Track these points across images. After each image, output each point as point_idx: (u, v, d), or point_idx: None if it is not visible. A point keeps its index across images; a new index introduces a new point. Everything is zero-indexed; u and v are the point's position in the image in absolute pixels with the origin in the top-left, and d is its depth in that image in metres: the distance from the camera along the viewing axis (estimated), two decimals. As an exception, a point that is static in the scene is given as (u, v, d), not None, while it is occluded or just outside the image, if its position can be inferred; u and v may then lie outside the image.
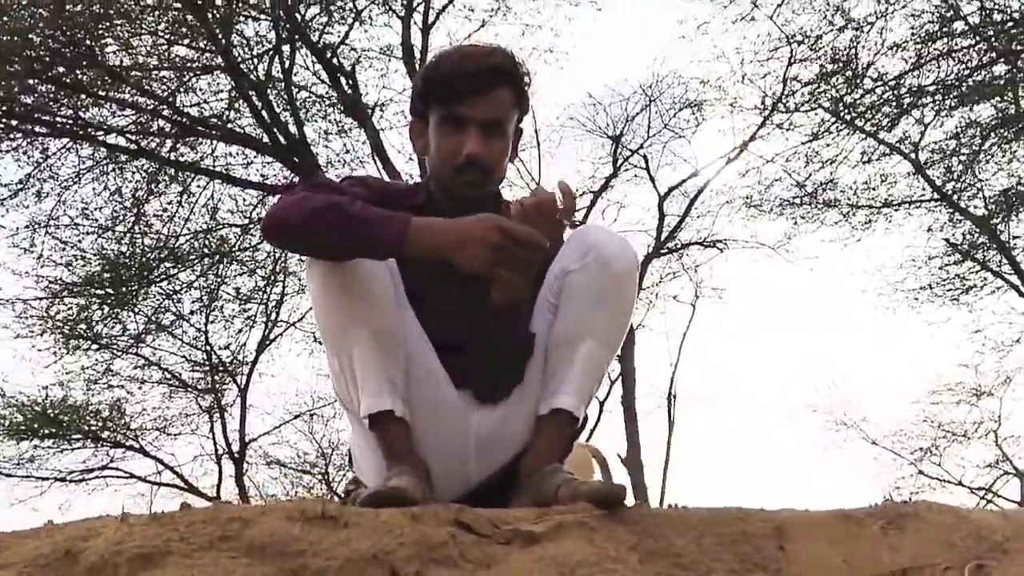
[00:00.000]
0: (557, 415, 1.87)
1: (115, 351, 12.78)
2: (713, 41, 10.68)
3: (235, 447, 14.39)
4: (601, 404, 13.69)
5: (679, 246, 12.92)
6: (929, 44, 10.07)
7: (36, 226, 9.97)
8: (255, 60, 10.08)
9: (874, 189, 11.73)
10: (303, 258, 1.95)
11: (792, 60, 10.53)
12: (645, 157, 12.37)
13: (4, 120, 9.26)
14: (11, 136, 9.57)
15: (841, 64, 10.35)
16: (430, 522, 1.42)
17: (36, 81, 9.02)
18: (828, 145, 11.10)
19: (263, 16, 9.68)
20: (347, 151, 10.55)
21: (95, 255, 10.84)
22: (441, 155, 1.98)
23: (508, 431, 1.92)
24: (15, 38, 8.33)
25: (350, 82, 9.51)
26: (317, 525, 1.39)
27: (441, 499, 1.77)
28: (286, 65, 9.82)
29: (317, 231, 1.75)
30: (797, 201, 11.91)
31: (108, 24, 9.13)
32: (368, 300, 1.81)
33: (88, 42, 9.02)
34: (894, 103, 10.69)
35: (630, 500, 1.57)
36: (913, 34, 10.03)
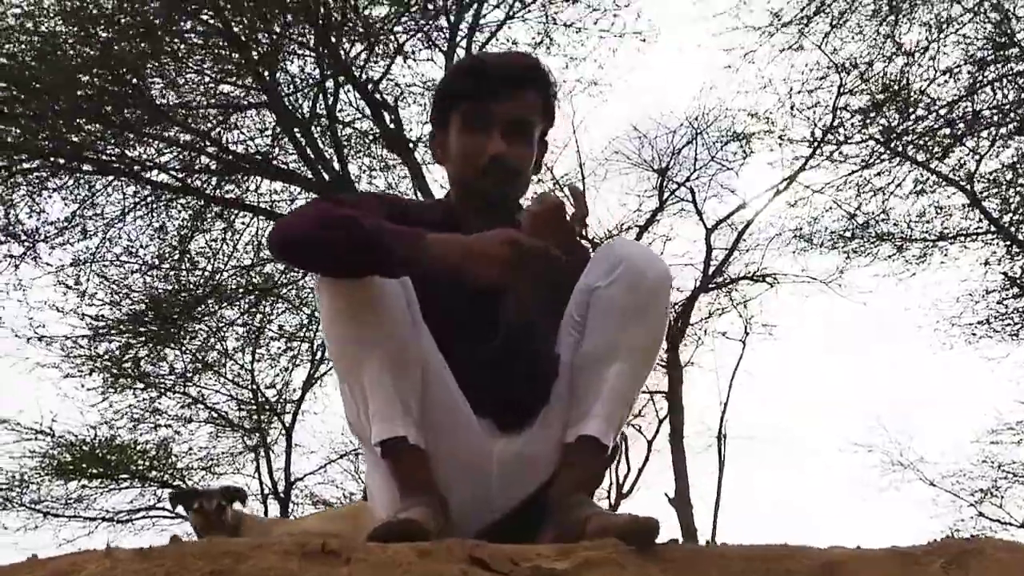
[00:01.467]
0: (585, 442, 1.74)
1: (161, 389, 12.82)
2: (760, 71, 10.45)
3: (280, 487, 14.33)
4: (649, 443, 13.44)
5: (727, 280, 12.67)
6: (983, 70, 9.85)
7: (81, 264, 10.02)
8: (299, 96, 10.15)
9: (929, 221, 11.43)
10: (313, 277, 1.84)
11: (842, 89, 10.35)
12: (692, 190, 12.20)
13: (51, 158, 9.34)
14: (58, 175, 9.67)
15: (892, 92, 10.13)
16: (441, 558, 1.29)
17: (83, 120, 9.10)
18: (879, 174, 10.86)
19: (307, 53, 9.72)
20: (390, 187, 10.53)
21: (140, 292, 10.91)
22: (463, 156, 1.88)
23: (532, 460, 1.79)
24: (63, 77, 8.41)
25: (393, 117, 9.50)
26: (317, 561, 1.27)
27: (459, 533, 1.62)
28: (330, 101, 9.87)
29: (326, 245, 1.64)
30: (848, 234, 11.65)
31: (155, 63, 9.22)
32: (380, 320, 1.69)
33: (135, 81, 9.12)
34: (947, 132, 10.45)
35: (665, 536, 1.43)
36: (966, 60, 9.83)
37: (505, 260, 1.60)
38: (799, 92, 10.45)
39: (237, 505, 4.81)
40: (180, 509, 5.06)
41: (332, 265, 1.69)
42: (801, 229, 11.76)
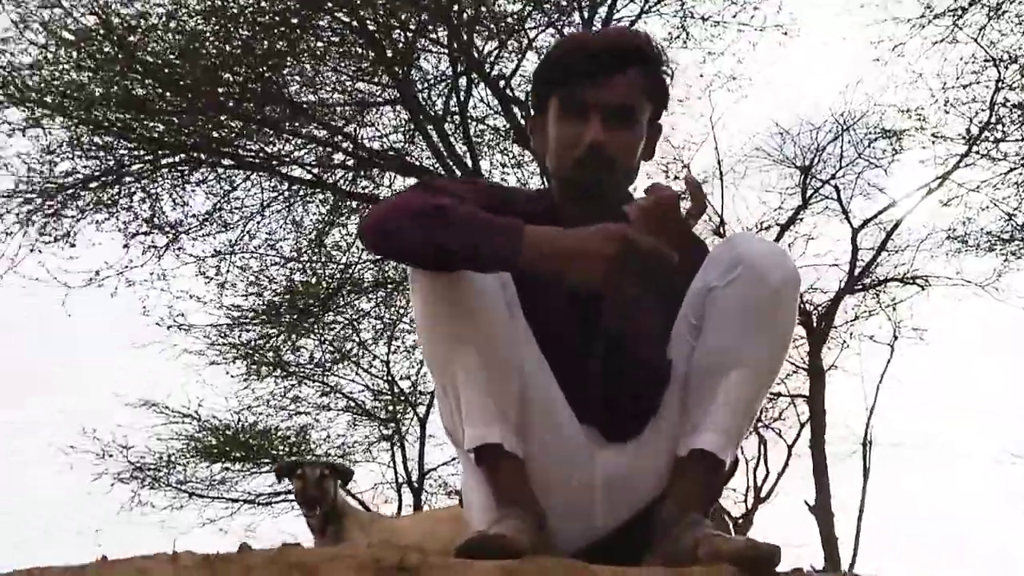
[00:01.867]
0: (699, 457, 1.61)
1: (300, 377, 13.18)
2: (910, 64, 9.92)
3: (414, 476, 14.51)
4: (790, 447, 13.00)
5: (875, 282, 12.13)
6: None
7: (222, 255, 10.31)
8: (432, 93, 10.19)
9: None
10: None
11: (1000, 84, 9.74)
12: (837, 188, 11.68)
13: (193, 153, 9.64)
14: (200, 169, 9.96)
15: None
16: (529, 579, 1.17)
17: (224, 116, 9.36)
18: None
19: (440, 50, 9.76)
20: (521, 183, 10.48)
21: (278, 284, 11.18)
22: (560, 146, 1.74)
23: (640, 474, 1.66)
24: (205, 74, 8.67)
25: (524, 113, 9.43)
26: (392, 578, 1.16)
27: (557, 551, 1.51)
28: (462, 98, 9.87)
29: (419, 236, 1.53)
30: (1006, 236, 10.99)
31: (293, 61, 9.40)
32: (476, 316, 1.58)
33: (274, 78, 9.32)
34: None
35: (788, 563, 1.31)
36: None
37: (611, 259, 1.47)
38: (953, 87, 9.91)
39: (344, 497, 4.82)
40: (286, 482, 5.11)
41: (422, 257, 1.58)
42: (955, 230, 11.16)
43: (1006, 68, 9.67)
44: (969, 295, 11.73)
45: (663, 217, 1.56)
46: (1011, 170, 10.26)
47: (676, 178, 10.71)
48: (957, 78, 9.85)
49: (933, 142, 10.48)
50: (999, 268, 11.39)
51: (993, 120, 10.00)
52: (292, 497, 14.34)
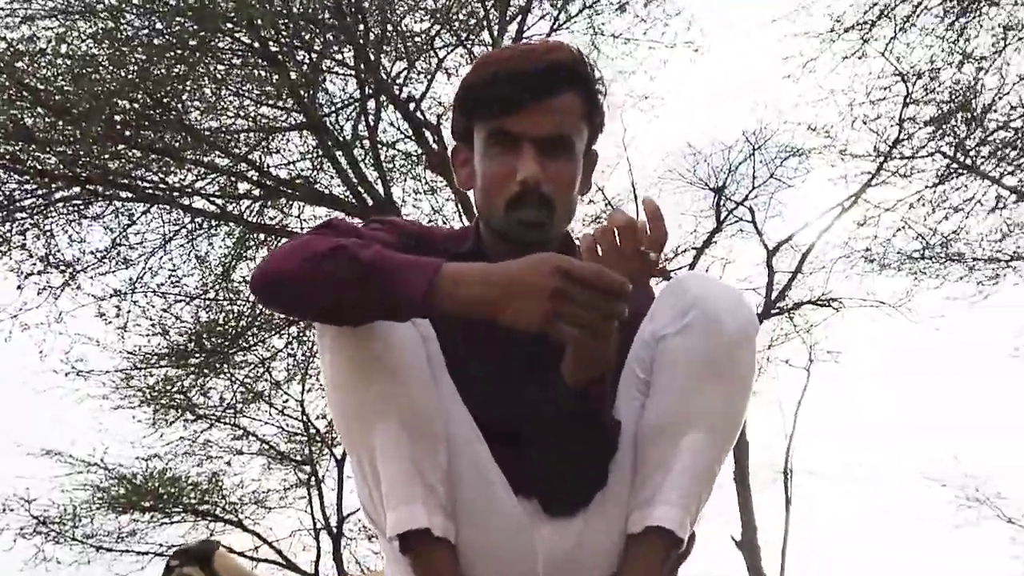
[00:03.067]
0: (654, 534, 1.40)
1: (211, 420, 12.75)
2: (820, 81, 9.98)
3: (333, 521, 14.11)
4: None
5: (791, 305, 12.11)
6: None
7: (122, 294, 9.86)
8: (340, 117, 9.97)
9: (1002, 240, 10.81)
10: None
11: (908, 100, 9.83)
12: (751, 209, 11.69)
13: (88, 186, 9.21)
14: (96, 202, 9.55)
15: (961, 102, 9.59)
16: None
17: (120, 145, 8.97)
18: (957, 189, 10.29)
19: (347, 72, 9.53)
20: (435, 211, 10.27)
21: (183, 323, 10.77)
22: (488, 183, 1.50)
23: (588, 554, 1.45)
24: (99, 101, 8.29)
25: (436, 137, 9.24)
26: None
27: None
28: (371, 122, 9.65)
29: (318, 284, 1.28)
30: (918, 255, 11.07)
31: (192, 85, 9.06)
32: (395, 379, 1.35)
33: (172, 104, 8.97)
34: (1020, 145, 9.86)
35: None
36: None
37: (551, 294, 1.21)
38: (862, 103, 9.99)
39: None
40: None
41: (324, 309, 1.34)
42: (870, 250, 11.21)
43: (913, 83, 9.77)
44: (882, 316, 11.82)
45: (618, 244, 1.33)
46: (925, 188, 10.34)
47: (591, 201, 10.59)
48: (867, 94, 9.94)
49: (843, 159, 10.54)
50: (910, 288, 11.48)
51: (903, 136, 10.07)
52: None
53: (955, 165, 10.15)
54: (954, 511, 13.93)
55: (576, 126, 1.51)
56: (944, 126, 9.88)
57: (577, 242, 1.43)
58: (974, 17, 9.24)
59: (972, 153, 10.02)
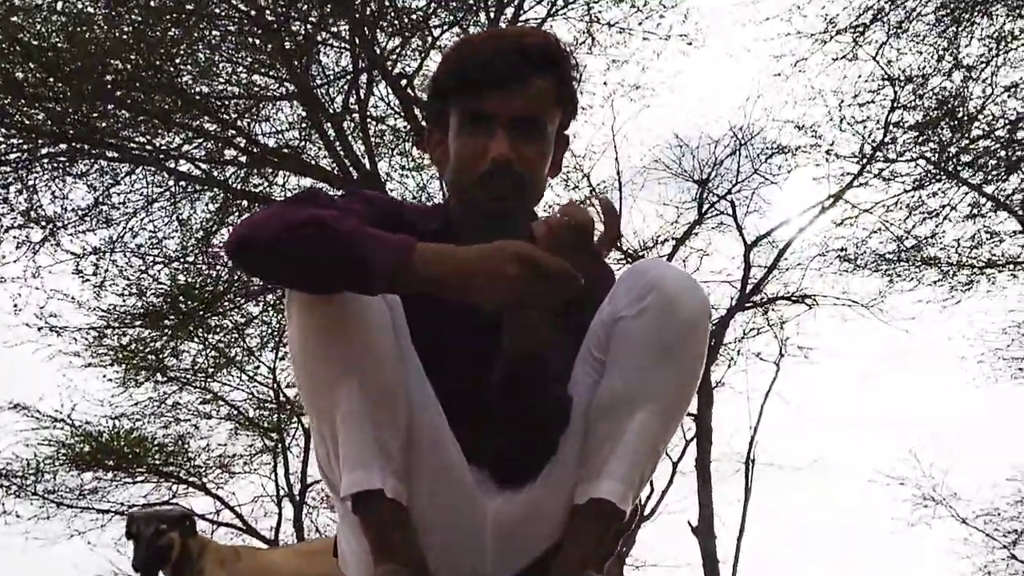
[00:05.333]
0: (598, 506, 1.46)
1: (181, 383, 12.73)
2: (810, 81, 10.06)
3: (296, 489, 14.13)
4: (675, 465, 13.01)
5: (765, 300, 12.25)
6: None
7: (102, 252, 9.80)
8: (331, 90, 9.90)
9: (977, 247, 11.00)
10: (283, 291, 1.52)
11: (896, 104, 9.94)
12: (733, 203, 11.72)
13: (75, 143, 9.13)
14: (82, 160, 9.46)
15: (948, 109, 9.72)
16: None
17: (110, 105, 8.89)
18: (935, 194, 10.44)
19: (341, 45, 9.48)
20: (420, 187, 10.27)
21: (161, 284, 10.71)
22: (461, 161, 1.56)
23: (535, 522, 1.51)
24: (92, 60, 8.20)
25: (425, 115, 9.20)
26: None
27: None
28: (362, 96, 9.61)
29: (292, 252, 1.34)
30: (894, 257, 11.23)
31: (186, 50, 8.99)
32: (358, 346, 1.40)
33: (165, 67, 8.90)
34: (1002, 155, 10.02)
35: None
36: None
37: (514, 280, 1.32)
38: (850, 105, 10.07)
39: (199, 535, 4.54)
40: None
41: (297, 276, 1.39)
42: (846, 250, 11.35)
43: (902, 88, 9.86)
44: (855, 315, 11.98)
45: (574, 239, 1.39)
46: (904, 192, 10.48)
47: (576, 187, 10.63)
48: (855, 96, 10.00)
49: (827, 159, 10.63)
50: (883, 289, 11.64)
51: (887, 140, 10.19)
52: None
53: (936, 170, 10.29)
54: (910, 510, 14.25)
55: (548, 110, 1.58)
56: (929, 132, 10.00)
57: (535, 225, 1.46)
58: (966, 26, 9.35)
59: (954, 160, 10.16)
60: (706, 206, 11.77)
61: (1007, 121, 9.80)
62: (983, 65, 9.44)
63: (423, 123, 9.16)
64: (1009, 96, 9.54)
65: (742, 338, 12.69)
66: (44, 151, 9.25)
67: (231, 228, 1.39)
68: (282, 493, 14.24)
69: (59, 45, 8.32)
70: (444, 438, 1.49)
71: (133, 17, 8.48)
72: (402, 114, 9.66)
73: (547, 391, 1.50)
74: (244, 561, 4.46)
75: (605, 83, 9.97)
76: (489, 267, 1.32)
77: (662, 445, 1.51)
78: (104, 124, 9.13)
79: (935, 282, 11.22)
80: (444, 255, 1.34)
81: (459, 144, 1.57)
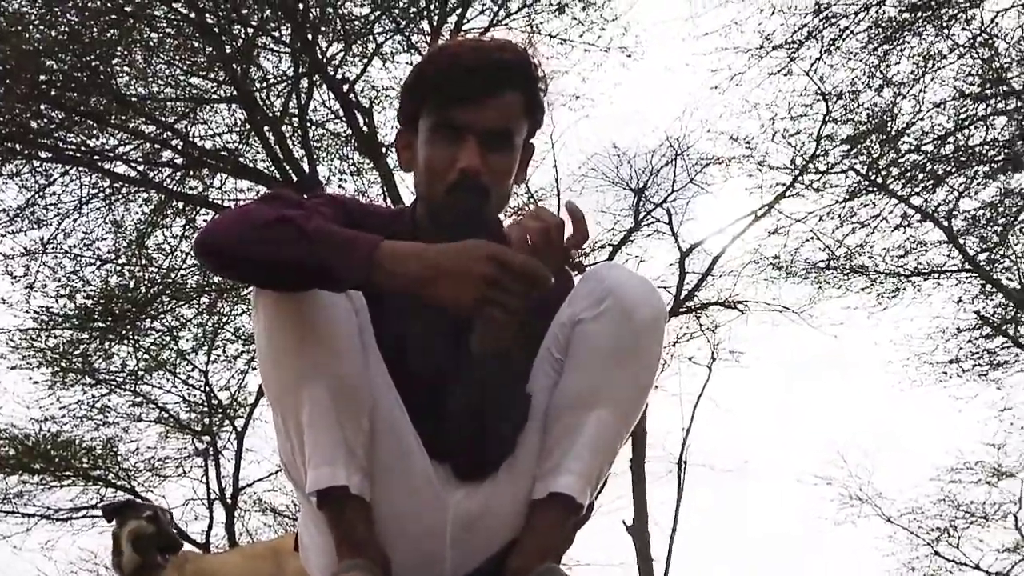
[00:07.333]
0: (556, 500, 1.51)
1: (111, 386, 12.48)
2: (746, 94, 10.27)
3: (228, 492, 13.96)
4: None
5: (698, 305, 12.46)
6: (970, 105, 9.76)
7: (32, 254, 9.59)
8: (271, 94, 9.82)
9: (904, 256, 11.34)
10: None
11: (827, 118, 10.20)
12: (668, 211, 11.95)
13: (7, 143, 8.92)
14: (13, 161, 9.25)
15: (878, 124, 10.00)
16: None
17: (44, 105, 8.71)
18: (866, 205, 10.74)
19: (282, 49, 9.40)
20: (360, 192, 10.23)
21: (93, 286, 10.54)
22: (430, 169, 1.58)
23: (494, 517, 1.55)
24: (26, 59, 8.02)
25: (367, 120, 9.20)
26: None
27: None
28: (302, 100, 9.54)
29: (260, 251, 1.36)
30: (823, 265, 11.52)
31: (124, 51, 8.84)
32: (324, 343, 1.43)
33: (101, 68, 8.74)
34: (929, 168, 10.34)
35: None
36: (954, 97, 9.74)
37: (483, 279, 1.33)
38: (784, 118, 10.31)
39: None
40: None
41: (265, 275, 1.41)
42: (778, 257, 11.61)
43: (834, 103, 10.12)
44: (785, 321, 12.25)
45: (546, 240, 1.43)
46: (835, 203, 10.75)
47: (515, 195, 10.66)
48: (789, 110, 10.26)
49: (760, 170, 10.86)
50: (813, 295, 11.93)
51: (819, 152, 10.45)
52: (93, 513, 13.64)
53: (866, 183, 10.58)
54: (837, 508, 14.62)
55: (517, 122, 1.60)
56: (859, 145, 10.28)
57: (508, 229, 1.50)
58: (897, 45, 9.63)
59: (883, 172, 10.46)
60: (642, 214, 11.96)
61: (935, 136, 10.12)
62: (912, 82, 9.75)
63: (364, 129, 9.14)
64: (937, 112, 9.85)
65: (676, 342, 12.88)
66: (-27, 151, 9.04)
67: (200, 228, 1.40)
68: (213, 497, 14.11)
69: (-8, 44, 8.13)
70: (406, 435, 1.52)
71: (70, 17, 8.33)
72: (343, 119, 9.60)
73: (512, 389, 1.53)
74: (192, 564, 4.41)
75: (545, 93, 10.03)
76: (459, 265, 1.33)
77: (618, 443, 1.56)
78: (38, 124, 8.98)
79: (863, 289, 11.57)
80: (413, 253, 1.35)
81: (429, 151, 1.59)
